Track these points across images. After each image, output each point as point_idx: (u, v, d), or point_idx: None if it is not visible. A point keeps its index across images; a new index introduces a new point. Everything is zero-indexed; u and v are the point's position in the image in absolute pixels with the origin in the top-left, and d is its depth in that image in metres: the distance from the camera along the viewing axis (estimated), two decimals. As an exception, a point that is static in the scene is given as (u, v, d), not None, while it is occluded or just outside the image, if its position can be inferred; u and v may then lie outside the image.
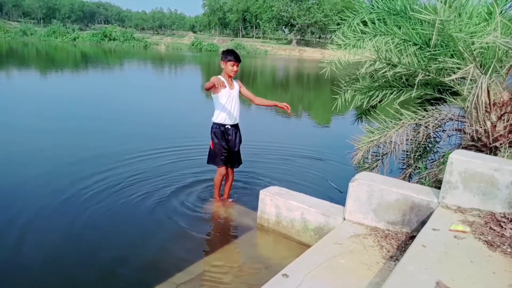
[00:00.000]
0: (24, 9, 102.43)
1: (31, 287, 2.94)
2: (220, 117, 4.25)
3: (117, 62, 29.89)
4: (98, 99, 12.15)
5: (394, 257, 2.66)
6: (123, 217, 4.14)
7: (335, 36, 4.45)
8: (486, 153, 3.64)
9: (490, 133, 3.73)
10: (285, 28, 77.14)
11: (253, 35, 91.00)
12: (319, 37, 79.89)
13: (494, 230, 2.39)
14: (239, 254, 3.60)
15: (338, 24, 4.57)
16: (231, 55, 4.10)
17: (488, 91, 3.62)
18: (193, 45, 60.80)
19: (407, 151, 4.40)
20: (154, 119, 9.64)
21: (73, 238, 3.65)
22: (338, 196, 4.82)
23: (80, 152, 6.27)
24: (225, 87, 3.96)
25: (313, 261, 2.56)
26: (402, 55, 4.03)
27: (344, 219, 3.31)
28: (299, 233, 3.63)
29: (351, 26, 4.32)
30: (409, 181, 4.02)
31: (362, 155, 4.18)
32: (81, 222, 3.95)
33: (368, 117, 5.10)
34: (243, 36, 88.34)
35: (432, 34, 3.49)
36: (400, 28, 4.03)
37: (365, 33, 4.11)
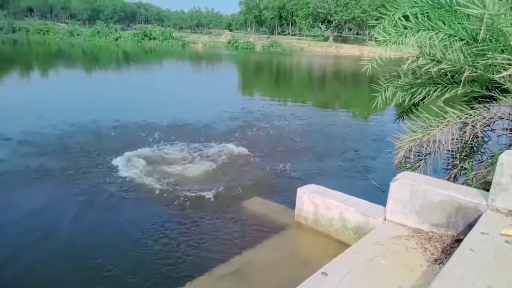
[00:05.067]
0: (71, 11, 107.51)
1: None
2: None
3: (157, 61, 30.76)
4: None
5: (439, 260, 2.58)
6: (156, 215, 4.28)
7: (375, 31, 4.34)
8: (540, 154, 3.42)
9: (544, 133, 3.51)
10: (321, 24, 76.10)
11: (289, 33, 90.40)
12: (357, 34, 78.13)
13: (549, 235, 2.26)
14: (277, 251, 3.62)
15: (377, 19, 4.45)
16: None
17: (543, 88, 3.41)
18: (229, 43, 61.41)
19: (452, 151, 4.23)
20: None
21: (94, 237, 3.83)
22: (378, 196, 4.72)
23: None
24: None
25: (353, 261, 2.54)
26: (447, 50, 3.87)
27: (385, 219, 3.24)
28: (337, 232, 3.60)
29: (392, 21, 4.19)
30: (454, 182, 3.86)
31: (404, 154, 4.05)
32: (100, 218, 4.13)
33: (410, 115, 4.94)
34: (279, 34, 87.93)
35: (480, 29, 3.33)
36: (444, 23, 3.87)
37: (407, 28, 3.98)
